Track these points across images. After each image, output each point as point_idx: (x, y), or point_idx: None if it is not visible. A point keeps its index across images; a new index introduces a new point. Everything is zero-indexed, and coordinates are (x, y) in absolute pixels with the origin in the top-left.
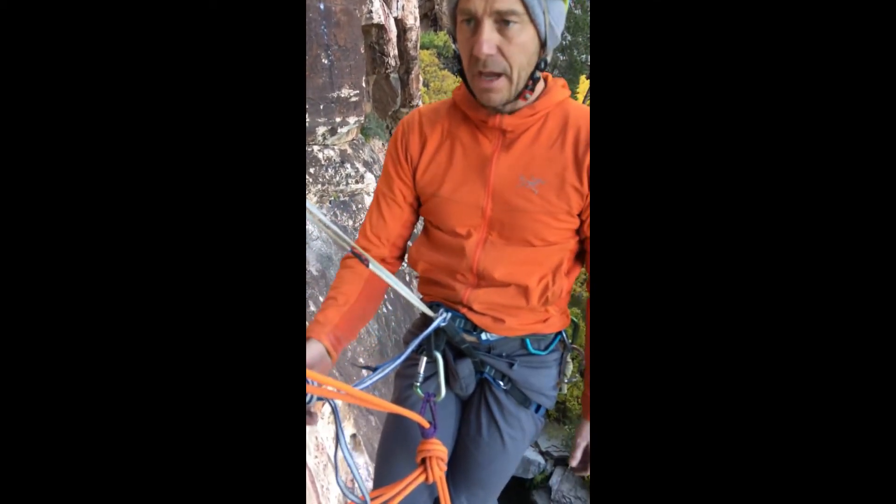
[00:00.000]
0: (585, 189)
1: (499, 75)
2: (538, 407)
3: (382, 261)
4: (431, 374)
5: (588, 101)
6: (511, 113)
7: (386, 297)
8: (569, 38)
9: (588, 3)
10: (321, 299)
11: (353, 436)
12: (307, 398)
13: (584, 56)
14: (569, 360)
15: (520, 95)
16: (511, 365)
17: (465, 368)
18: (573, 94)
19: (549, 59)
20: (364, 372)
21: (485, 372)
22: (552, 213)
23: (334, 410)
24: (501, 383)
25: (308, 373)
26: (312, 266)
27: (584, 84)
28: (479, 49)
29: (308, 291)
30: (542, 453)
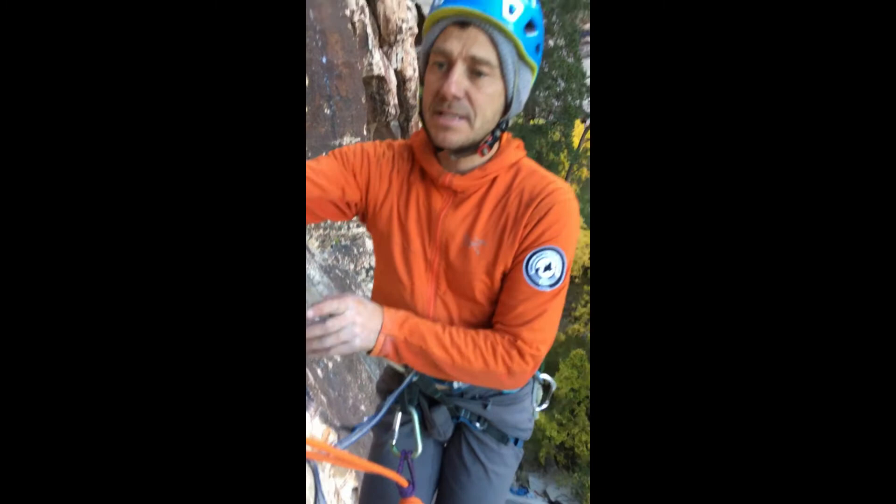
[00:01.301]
0: (515, 248)
1: (461, 118)
2: (516, 440)
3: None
4: (407, 420)
5: (583, 143)
6: (463, 174)
7: None
8: (563, 84)
9: (580, 52)
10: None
11: (356, 489)
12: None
13: (577, 101)
14: (538, 385)
15: (477, 148)
16: (485, 406)
17: (441, 416)
18: (569, 138)
19: (510, 121)
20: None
21: (461, 416)
22: (490, 273)
23: (314, 472)
24: (478, 425)
25: None
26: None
27: (579, 127)
28: (448, 88)
29: None
30: (551, 503)
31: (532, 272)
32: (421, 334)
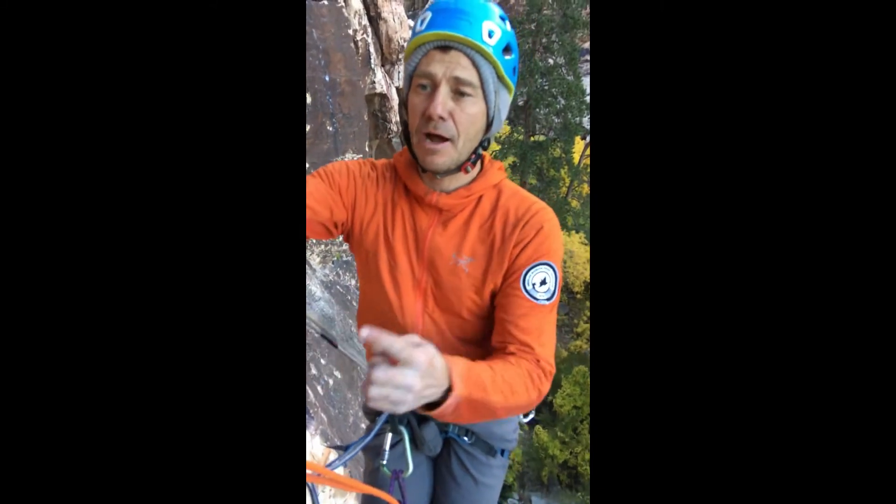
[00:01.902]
0: (505, 267)
1: (445, 140)
2: (503, 451)
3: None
4: (397, 441)
5: (583, 160)
6: (448, 193)
7: None
8: (563, 101)
9: (580, 70)
10: (322, 362)
11: None
12: None
13: (577, 118)
14: None
15: (461, 167)
16: None
17: (430, 432)
18: (569, 154)
19: (491, 139)
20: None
21: (449, 431)
22: (479, 290)
23: (312, 492)
24: (466, 438)
25: None
26: (314, 327)
27: (580, 144)
28: (434, 109)
29: (309, 354)
30: None
31: (530, 287)
32: (482, 385)
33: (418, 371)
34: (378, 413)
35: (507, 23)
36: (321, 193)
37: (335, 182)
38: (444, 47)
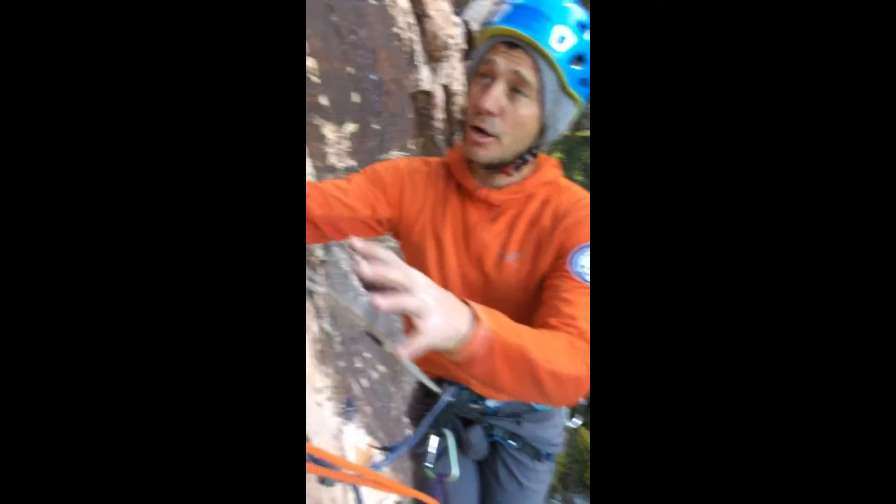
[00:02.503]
0: (552, 256)
1: (491, 135)
2: (549, 455)
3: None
4: (444, 448)
5: None
6: (500, 188)
7: None
8: None
9: None
10: (367, 356)
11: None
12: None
13: None
14: None
15: (504, 168)
16: (519, 423)
17: (476, 435)
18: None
19: (543, 148)
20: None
21: (495, 434)
22: (526, 286)
23: (355, 490)
24: (513, 442)
25: (309, 447)
26: (360, 319)
27: None
28: (485, 101)
29: (353, 348)
30: None
31: (578, 268)
32: (513, 328)
33: (431, 291)
34: (422, 416)
35: (587, 31)
36: (362, 191)
37: (380, 179)
38: (512, 44)
